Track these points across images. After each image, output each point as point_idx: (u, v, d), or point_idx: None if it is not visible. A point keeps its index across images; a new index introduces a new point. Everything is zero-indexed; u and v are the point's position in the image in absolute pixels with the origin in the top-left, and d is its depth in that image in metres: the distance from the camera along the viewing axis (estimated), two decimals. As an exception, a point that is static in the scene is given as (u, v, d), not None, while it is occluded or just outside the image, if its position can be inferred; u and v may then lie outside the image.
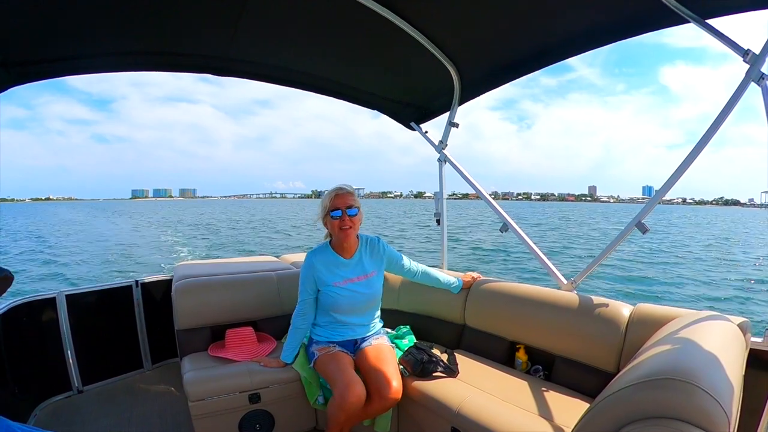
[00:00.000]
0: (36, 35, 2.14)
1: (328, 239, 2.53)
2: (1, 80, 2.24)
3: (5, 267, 1.03)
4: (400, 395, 2.24)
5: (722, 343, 1.43)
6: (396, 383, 2.24)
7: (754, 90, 1.83)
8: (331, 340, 2.48)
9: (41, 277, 14.90)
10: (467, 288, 2.86)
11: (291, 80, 3.13)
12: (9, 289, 1.06)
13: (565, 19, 2.23)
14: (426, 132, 3.43)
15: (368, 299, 2.49)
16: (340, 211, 2.36)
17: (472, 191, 3.09)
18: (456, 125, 3.19)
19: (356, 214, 2.40)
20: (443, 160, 3.30)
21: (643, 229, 2.16)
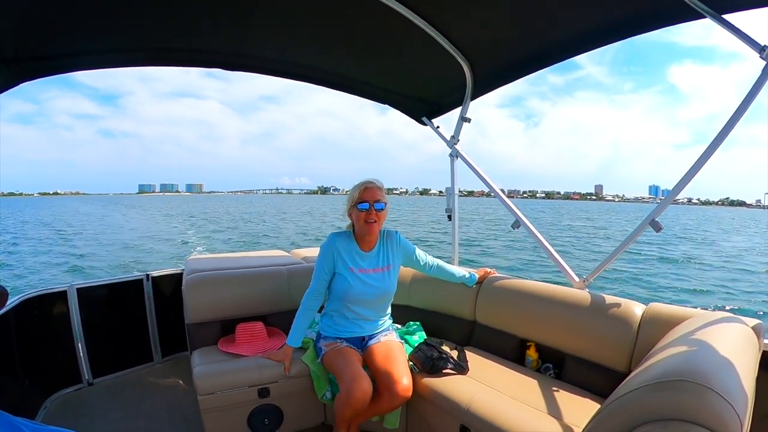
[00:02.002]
0: (47, 31, 2.15)
1: (351, 228, 2.53)
2: (12, 75, 2.25)
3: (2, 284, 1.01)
4: (410, 393, 2.24)
5: (735, 345, 1.41)
6: (406, 381, 2.24)
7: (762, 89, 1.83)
8: (339, 336, 2.48)
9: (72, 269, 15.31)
10: (480, 282, 2.86)
11: (303, 75, 3.13)
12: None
13: (581, 13, 2.21)
14: (438, 127, 3.42)
15: (380, 293, 2.47)
16: (367, 204, 2.37)
17: (477, 188, 3.09)
18: (468, 120, 3.18)
19: (383, 209, 2.40)
20: (455, 155, 3.28)
21: (657, 228, 2.13)
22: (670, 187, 2.23)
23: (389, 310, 2.65)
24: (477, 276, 2.86)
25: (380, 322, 2.57)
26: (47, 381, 2.90)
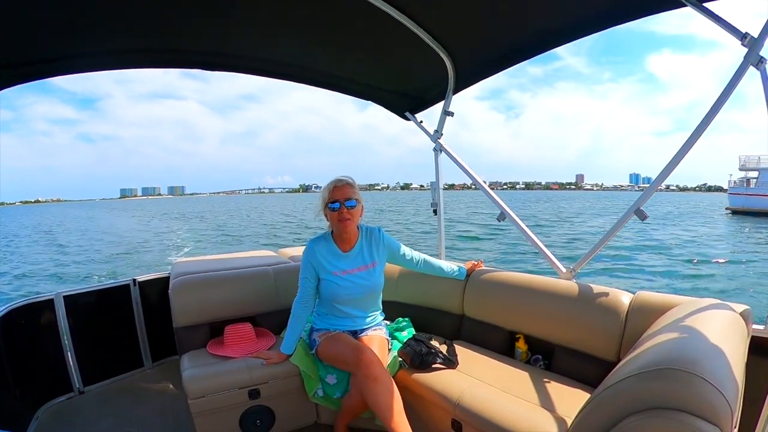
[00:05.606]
0: (26, 36, 2.10)
1: (330, 230, 2.52)
2: None
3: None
4: (372, 366, 2.19)
5: (724, 331, 1.42)
6: (371, 355, 2.23)
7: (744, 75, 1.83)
8: (331, 329, 2.49)
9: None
10: (468, 275, 2.87)
11: (284, 73, 3.10)
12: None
13: (561, 4, 2.21)
14: (421, 122, 3.41)
15: (368, 290, 2.48)
16: (338, 203, 2.35)
17: (457, 182, 3.09)
18: (451, 114, 3.17)
19: (355, 206, 2.39)
20: (439, 149, 3.27)
21: (642, 216, 2.15)
22: (650, 175, 2.25)
23: (380, 305, 2.65)
24: (466, 269, 2.86)
25: (371, 318, 2.58)
26: (38, 391, 2.85)
